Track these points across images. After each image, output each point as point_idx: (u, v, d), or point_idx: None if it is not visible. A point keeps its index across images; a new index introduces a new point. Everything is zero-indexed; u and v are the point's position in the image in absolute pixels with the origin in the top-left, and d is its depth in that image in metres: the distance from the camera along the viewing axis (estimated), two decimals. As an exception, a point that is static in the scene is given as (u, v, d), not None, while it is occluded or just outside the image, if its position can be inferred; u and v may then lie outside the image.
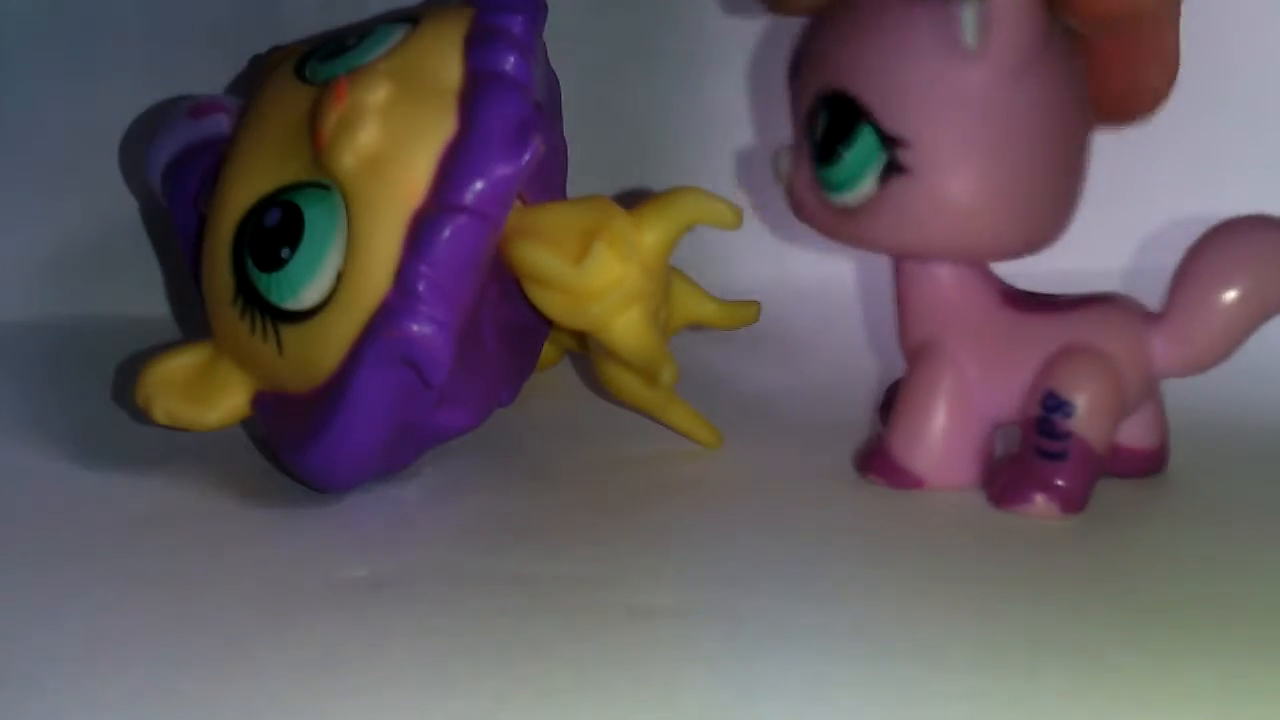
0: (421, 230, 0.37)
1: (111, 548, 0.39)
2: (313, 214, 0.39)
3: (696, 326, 0.46)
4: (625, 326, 0.40)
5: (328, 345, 0.39)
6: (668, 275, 0.42)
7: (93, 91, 0.56)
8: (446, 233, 0.37)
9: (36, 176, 0.57)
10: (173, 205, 0.44)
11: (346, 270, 0.38)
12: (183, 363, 0.41)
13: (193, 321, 0.55)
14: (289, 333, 0.39)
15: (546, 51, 0.44)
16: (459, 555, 0.38)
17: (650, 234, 0.40)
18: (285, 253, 0.39)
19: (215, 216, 0.41)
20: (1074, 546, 0.38)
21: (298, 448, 0.39)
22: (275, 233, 0.39)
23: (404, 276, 0.37)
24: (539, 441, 0.45)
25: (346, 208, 0.38)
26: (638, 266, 0.40)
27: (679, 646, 0.33)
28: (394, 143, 0.38)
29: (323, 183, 0.39)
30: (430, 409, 0.39)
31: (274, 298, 0.39)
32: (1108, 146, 0.59)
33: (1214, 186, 0.60)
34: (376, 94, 0.39)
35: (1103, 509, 0.40)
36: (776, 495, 0.41)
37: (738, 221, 0.40)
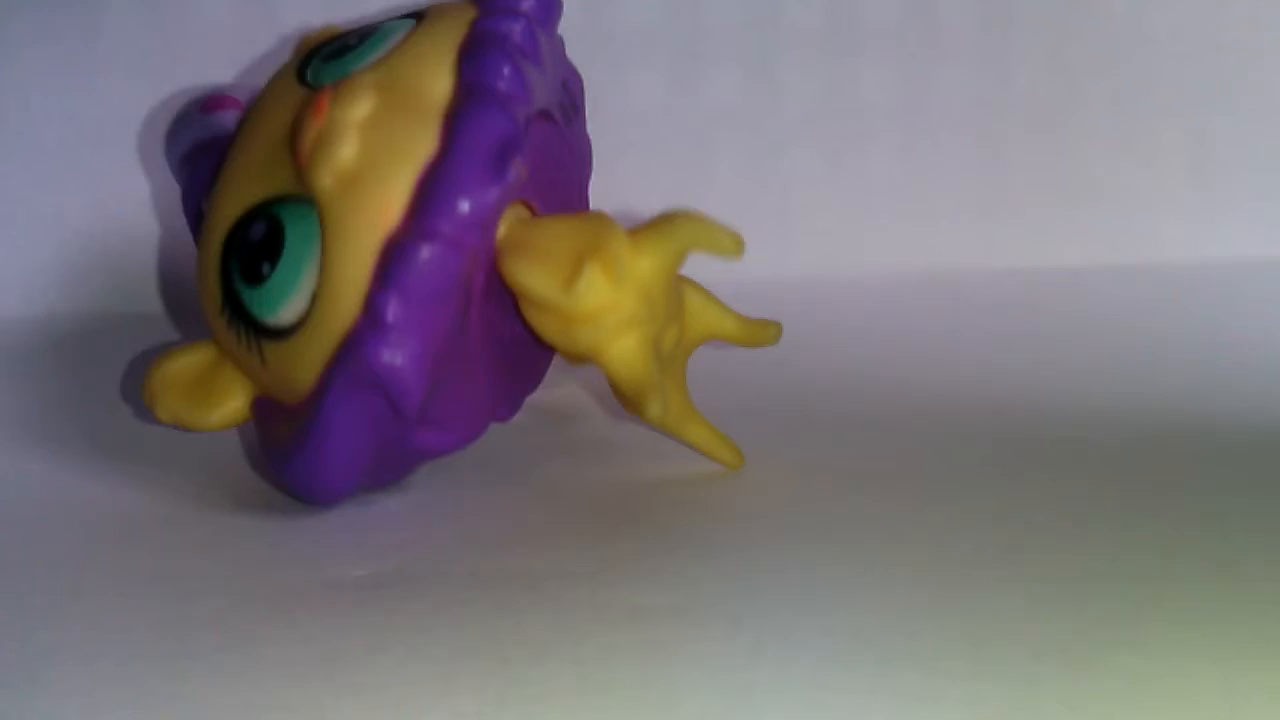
0: (393, 257, 0.36)
1: (112, 547, 0.39)
2: (292, 230, 0.38)
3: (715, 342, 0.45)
4: (619, 354, 0.39)
5: (303, 365, 0.38)
6: (675, 297, 0.41)
7: (94, 89, 0.56)
8: (418, 260, 0.36)
9: (39, 173, 0.57)
10: (185, 204, 0.43)
11: (320, 292, 0.37)
12: (188, 363, 0.41)
13: (193, 321, 0.55)
14: (270, 348, 0.39)
15: (564, 47, 0.43)
16: (459, 554, 0.38)
17: (647, 259, 0.39)
18: (266, 268, 0.38)
19: (209, 223, 0.40)
20: (1073, 550, 0.38)
21: (280, 460, 0.39)
22: (259, 247, 0.38)
23: (373, 304, 0.36)
24: (541, 448, 0.45)
25: (322, 226, 0.37)
26: (632, 292, 0.38)
27: (680, 647, 0.33)
28: (372, 162, 0.37)
29: (305, 197, 0.38)
30: (410, 431, 0.39)
31: (256, 312, 0.38)
32: (1107, 147, 0.60)
33: (1212, 189, 0.60)
34: (357, 110, 0.38)
35: (1103, 504, 0.40)
36: (777, 497, 0.41)
37: (739, 251, 0.39)
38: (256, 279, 0.38)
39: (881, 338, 0.54)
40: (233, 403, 0.40)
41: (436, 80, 0.38)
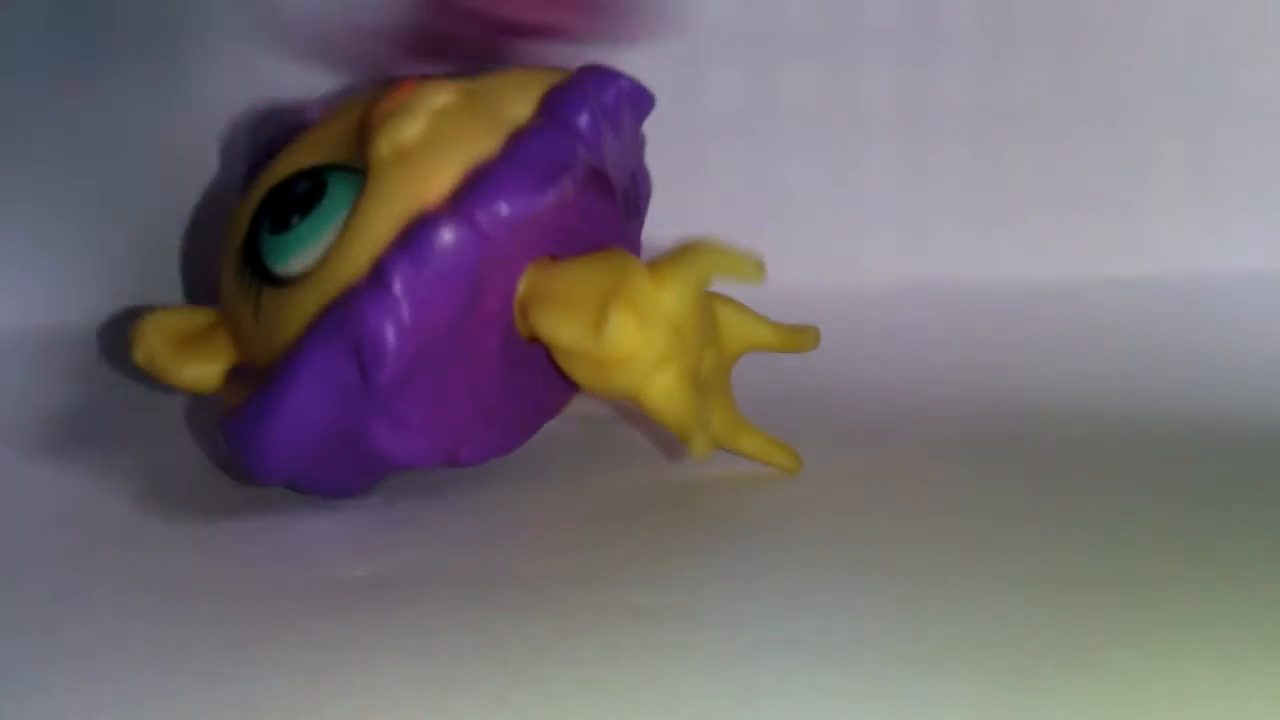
0: (418, 228, 0.37)
1: (111, 548, 0.39)
2: (334, 190, 0.38)
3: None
4: (658, 393, 0.39)
5: (293, 317, 0.38)
6: (707, 320, 0.41)
7: (99, 97, 0.56)
8: (440, 238, 0.37)
9: (41, 182, 0.57)
10: (247, 171, 0.44)
11: (335, 247, 0.38)
12: (183, 319, 0.41)
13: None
14: (268, 297, 0.39)
15: (644, 146, 0.44)
16: (459, 555, 0.38)
17: (670, 293, 0.39)
18: (295, 219, 0.39)
19: (260, 179, 0.41)
20: (1072, 553, 0.38)
21: (234, 416, 0.38)
22: (296, 201, 0.39)
23: (383, 266, 0.37)
24: (541, 450, 0.45)
25: (363, 192, 0.38)
26: (661, 328, 0.38)
27: (679, 648, 0.33)
28: (431, 144, 0.38)
29: (358, 167, 0.39)
30: (370, 416, 0.39)
31: (267, 259, 0.39)
32: (1106, 157, 0.60)
33: (1211, 199, 0.60)
34: (436, 99, 0.39)
35: (1102, 511, 0.40)
36: (778, 500, 0.41)
37: (761, 275, 0.39)
38: (282, 228, 0.39)
39: (879, 346, 0.54)
40: (210, 366, 0.40)
41: (518, 105, 0.39)
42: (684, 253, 0.39)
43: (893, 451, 0.45)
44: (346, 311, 0.37)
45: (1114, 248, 0.60)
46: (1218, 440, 0.45)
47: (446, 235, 0.37)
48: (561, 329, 0.39)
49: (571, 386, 0.43)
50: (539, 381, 0.42)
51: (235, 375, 0.40)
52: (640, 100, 0.42)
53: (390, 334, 0.37)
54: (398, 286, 0.37)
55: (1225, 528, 0.40)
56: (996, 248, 0.59)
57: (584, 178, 0.39)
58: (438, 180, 0.38)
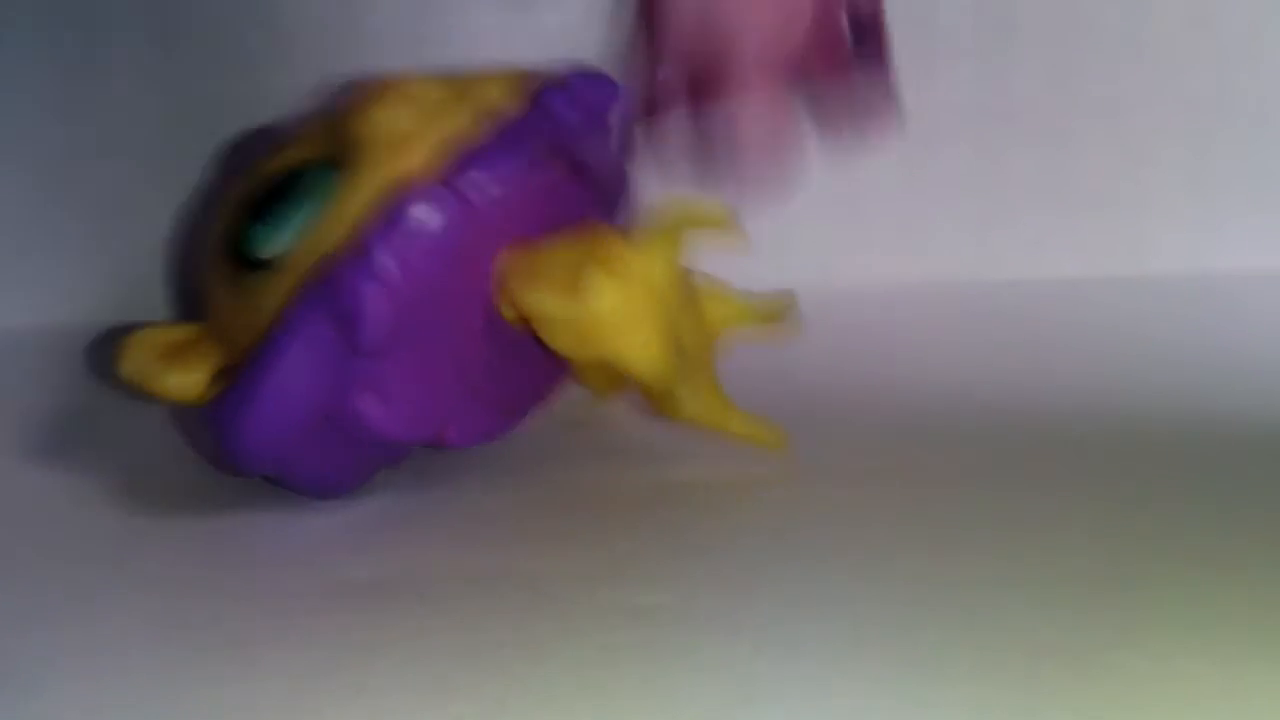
0: (398, 199, 0.38)
1: (112, 551, 0.39)
2: (316, 180, 0.39)
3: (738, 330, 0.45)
4: (637, 351, 0.40)
5: (277, 296, 0.38)
6: (687, 291, 0.41)
7: (96, 100, 0.56)
8: (418, 205, 0.37)
9: (40, 185, 0.57)
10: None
11: (317, 225, 0.38)
12: (170, 334, 0.41)
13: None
14: (251, 281, 0.39)
15: (632, 147, 0.44)
16: (459, 556, 0.38)
17: (645, 254, 0.40)
18: (276, 206, 0.39)
19: (243, 181, 0.41)
20: (1072, 553, 0.38)
21: (220, 400, 0.39)
22: (277, 193, 0.40)
23: (364, 235, 0.37)
24: (541, 451, 0.45)
25: (344, 174, 0.39)
26: (639, 287, 0.39)
27: (679, 650, 0.33)
28: (411, 127, 0.39)
29: (339, 159, 0.39)
30: (356, 385, 0.39)
31: (250, 246, 0.39)
32: (1106, 158, 0.60)
33: (1210, 200, 0.60)
34: (426, 91, 0.39)
35: (1101, 511, 0.40)
36: (778, 500, 0.41)
37: (729, 221, 0.40)
38: (263, 218, 0.39)
39: (879, 346, 0.54)
40: (194, 375, 0.40)
41: (498, 94, 0.40)
42: (654, 214, 0.40)
43: (893, 451, 0.45)
44: (328, 279, 0.37)
45: (1114, 248, 0.60)
46: (1217, 440, 0.45)
47: (425, 202, 0.38)
48: (542, 299, 0.39)
49: (558, 376, 0.43)
50: (525, 368, 0.42)
51: (221, 376, 0.40)
52: (626, 101, 0.42)
53: (370, 296, 0.37)
54: (376, 250, 0.37)
55: (1225, 528, 0.40)
56: (996, 248, 0.59)
57: (563, 162, 0.40)
58: (418, 157, 0.38)
